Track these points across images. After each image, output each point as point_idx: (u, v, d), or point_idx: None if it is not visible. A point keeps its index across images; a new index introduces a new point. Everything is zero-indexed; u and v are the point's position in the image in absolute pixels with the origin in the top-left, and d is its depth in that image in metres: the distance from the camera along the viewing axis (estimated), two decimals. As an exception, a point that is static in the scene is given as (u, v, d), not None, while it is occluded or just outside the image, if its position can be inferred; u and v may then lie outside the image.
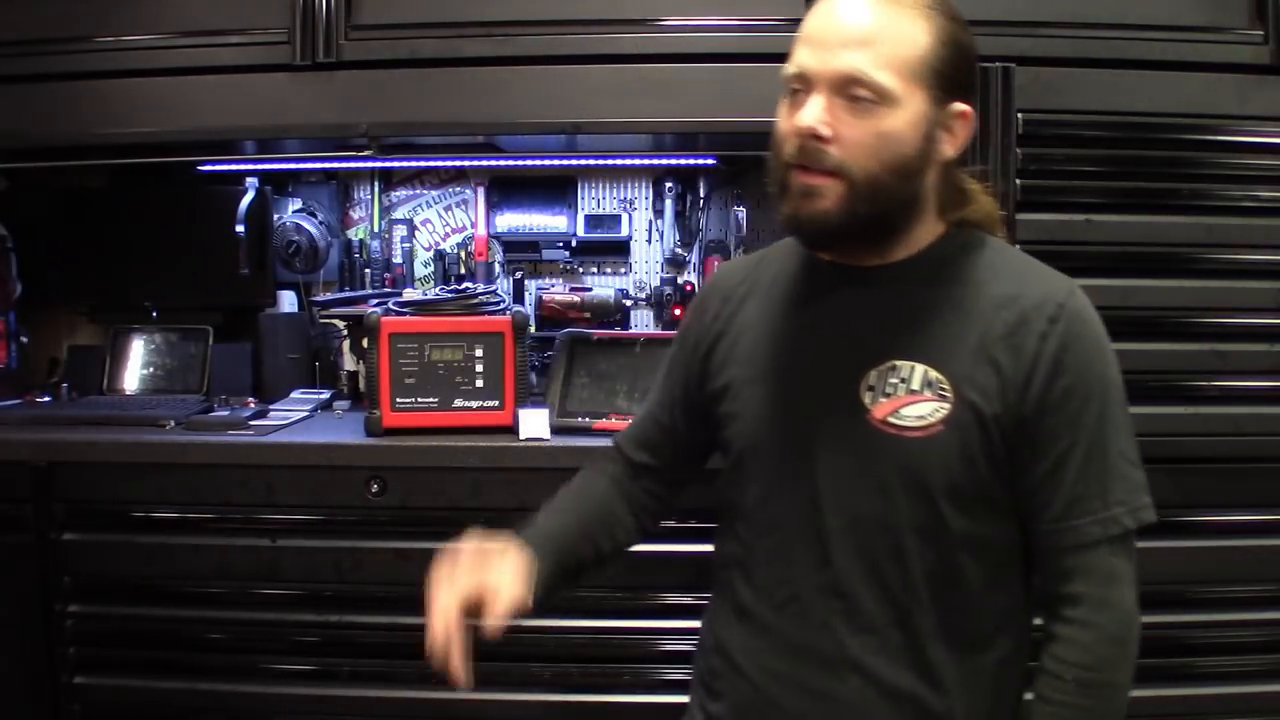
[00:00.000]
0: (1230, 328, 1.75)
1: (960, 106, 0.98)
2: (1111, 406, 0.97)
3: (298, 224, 2.28)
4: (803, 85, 0.95)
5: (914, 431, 0.96)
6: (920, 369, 0.97)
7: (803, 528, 1.01)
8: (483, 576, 1.03)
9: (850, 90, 0.92)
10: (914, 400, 0.97)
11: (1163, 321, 1.74)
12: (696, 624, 1.80)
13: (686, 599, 1.75)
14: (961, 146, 1.00)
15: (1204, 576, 1.78)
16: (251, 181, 2.22)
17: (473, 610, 1.03)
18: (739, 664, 1.06)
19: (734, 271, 1.18)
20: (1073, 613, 0.95)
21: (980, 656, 1.01)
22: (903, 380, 0.97)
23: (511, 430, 1.81)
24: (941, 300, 0.99)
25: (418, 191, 2.43)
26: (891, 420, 0.97)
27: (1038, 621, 1.04)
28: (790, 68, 0.97)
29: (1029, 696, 1.00)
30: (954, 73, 0.96)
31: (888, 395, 0.98)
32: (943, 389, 0.96)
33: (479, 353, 1.85)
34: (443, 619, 1.03)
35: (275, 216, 2.29)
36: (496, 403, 1.84)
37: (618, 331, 2.19)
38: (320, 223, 2.32)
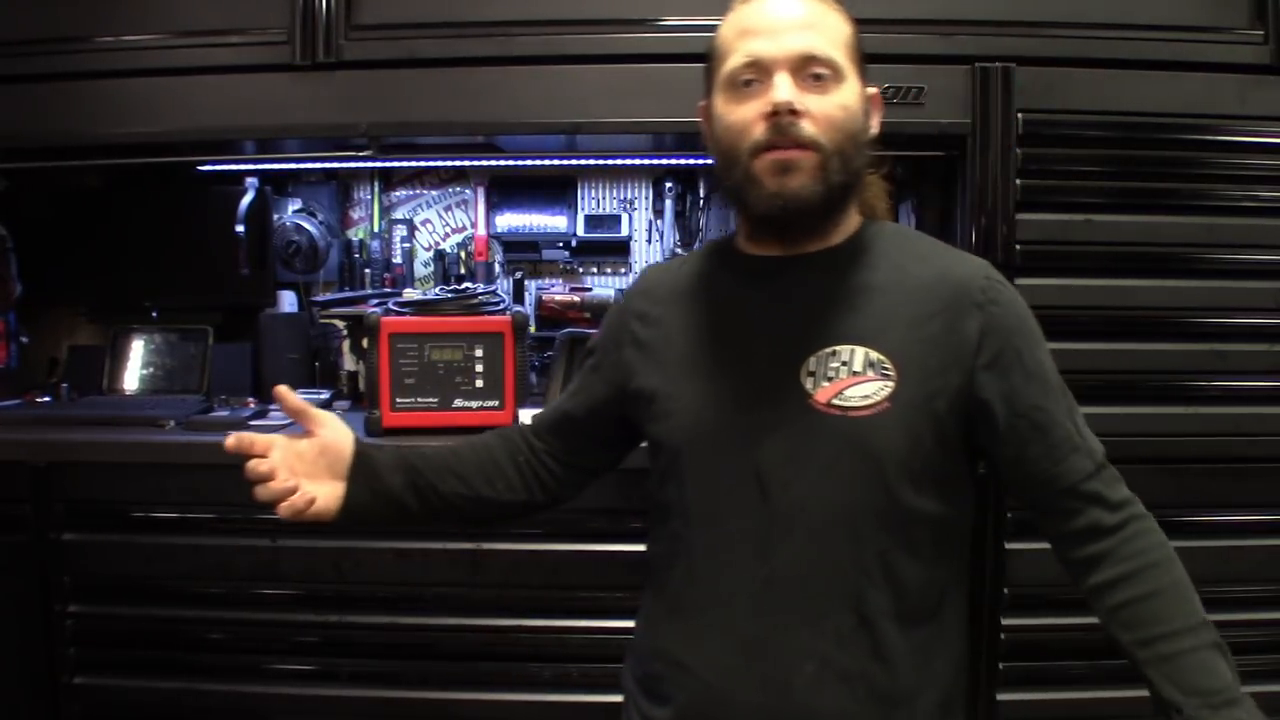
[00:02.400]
0: (1230, 328, 1.75)
1: (873, 89, 1.07)
2: (1045, 356, 1.04)
3: (298, 224, 2.29)
4: (757, 73, 1.00)
5: (860, 411, 0.98)
6: (861, 351, 0.99)
7: (747, 519, 1.01)
8: (307, 468, 1.09)
9: (809, 69, 0.99)
10: (857, 381, 0.99)
11: (1163, 321, 1.74)
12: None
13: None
14: (878, 126, 1.08)
15: (1204, 576, 1.76)
16: (251, 181, 2.22)
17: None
18: (686, 664, 1.04)
19: (655, 277, 1.20)
20: (1110, 520, 0.99)
21: (925, 629, 1.02)
22: (844, 363, 0.99)
23: (511, 430, 1.81)
24: (874, 283, 1.03)
25: (418, 191, 2.43)
26: (836, 403, 0.99)
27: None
28: (739, 58, 1.01)
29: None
30: (864, 59, 1.06)
31: (830, 379, 0.99)
32: (885, 368, 0.99)
33: (479, 353, 1.85)
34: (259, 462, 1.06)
35: (275, 216, 2.29)
36: (496, 403, 1.85)
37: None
38: (320, 223, 2.33)
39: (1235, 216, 1.76)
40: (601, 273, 2.43)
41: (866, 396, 0.98)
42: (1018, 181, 1.73)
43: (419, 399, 1.83)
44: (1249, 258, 1.76)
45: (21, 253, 2.19)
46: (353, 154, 1.97)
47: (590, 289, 2.35)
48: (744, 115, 1.00)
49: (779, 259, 1.06)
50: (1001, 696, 1.75)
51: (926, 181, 1.95)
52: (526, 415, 1.79)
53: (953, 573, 1.06)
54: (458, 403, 1.84)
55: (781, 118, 0.97)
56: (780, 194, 0.99)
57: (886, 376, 0.98)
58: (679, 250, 2.35)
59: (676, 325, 1.11)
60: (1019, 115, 1.73)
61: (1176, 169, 1.76)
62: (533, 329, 2.23)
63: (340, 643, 1.79)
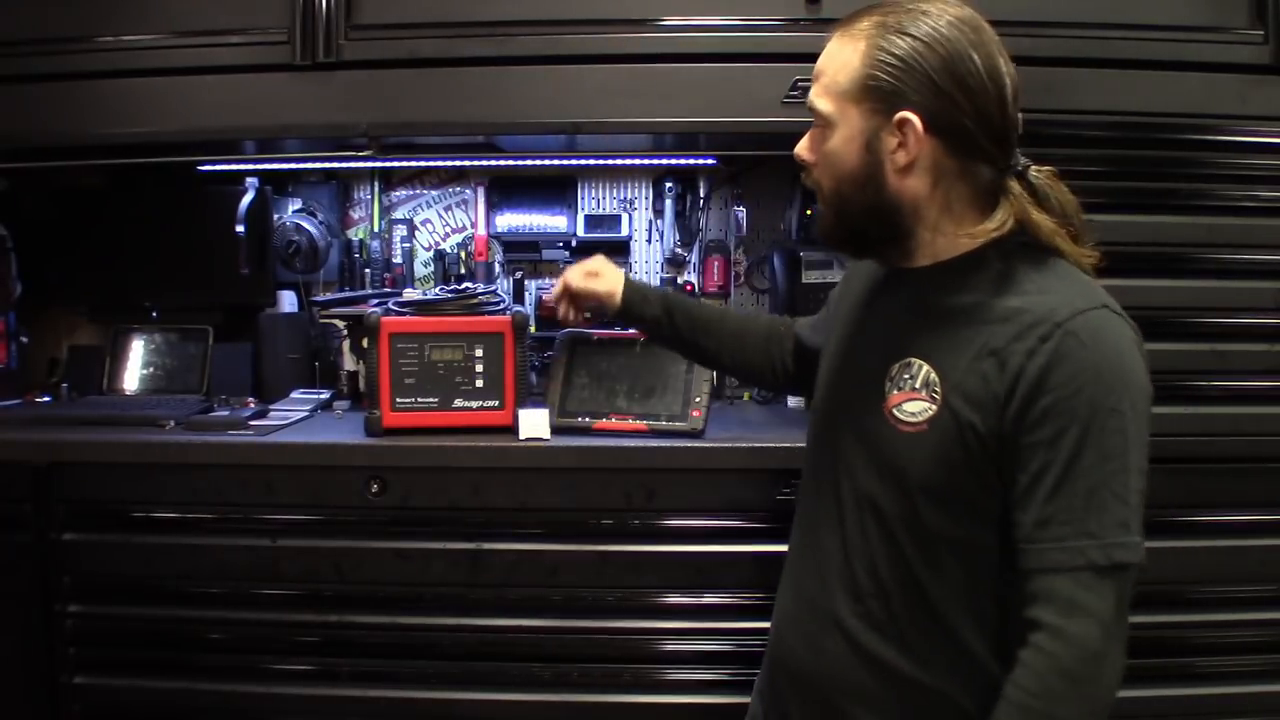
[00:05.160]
0: (1230, 328, 1.76)
1: (901, 115, 0.99)
2: (1101, 435, 0.92)
3: (298, 224, 2.28)
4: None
5: (905, 426, 1.02)
6: (925, 369, 1.02)
7: (828, 492, 1.12)
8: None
9: (815, 120, 1.07)
10: (913, 397, 1.02)
11: (1163, 321, 1.74)
12: (696, 624, 1.80)
13: (686, 599, 1.76)
14: (916, 152, 1.00)
15: (1204, 576, 1.78)
16: (251, 181, 2.22)
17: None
18: (779, 610, 1.19)
19: None
20: (1032, 637, 0.94)
21: (960, 644, 1.02)
22: (911, 376, 1.03)
23: (511, 430, 1.81)
24: (958, 307, 1.03)
25: (418, 191, 2.43)
26: (894, 412, 1.04)
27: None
28: None
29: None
30: (897, 84, 0.99)
31: (899, 389, 1.04)
32: (935, 392, 1.01)
33: (479, 353, 1.85)
34: (561, 282, 1.47)
35: (275, 216, 2.29)
36: (496, 403, 1.85)
37: (618, 331, 2.19)
38: (320, 223, 2.33)
39: (1235, 216, 1.76)
40: (601, 273, 2.42)
41: (913, 414, 1.02)
42: (1018, 181, 1.73)
43: (419, 399, 1.83)
44: (1249, 258, 1.76)
45: (21, 253, 2.19)
46: (353, 154, 1.97)
47: (590, 289, 2.34)
48: None
49: (891, 270, 1.13)
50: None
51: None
52: (527, 415, 1.80)
53: (993, 603, 1.01)
54: (458, 402, 1.84)
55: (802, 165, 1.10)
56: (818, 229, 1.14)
57: (933, 399, 1.00)
58: (679, 250, 2.35)
59: (843, 306, 1.22)
60: (1019, 115, 1.72)
61: (1177, 169, 1.76)
62: (533, 329, 2.23)
63: (340, 643, 1.79)
